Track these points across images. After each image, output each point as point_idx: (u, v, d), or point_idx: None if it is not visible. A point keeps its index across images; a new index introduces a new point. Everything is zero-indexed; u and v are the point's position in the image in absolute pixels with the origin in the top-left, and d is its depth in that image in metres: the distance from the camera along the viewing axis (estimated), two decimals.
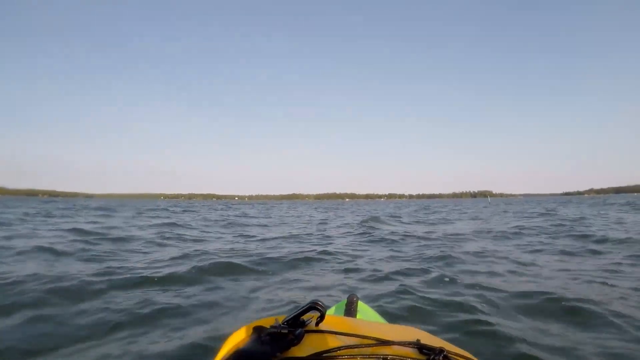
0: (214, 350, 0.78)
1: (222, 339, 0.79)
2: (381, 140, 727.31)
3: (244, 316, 3.00)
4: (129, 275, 4.24)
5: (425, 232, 9.65)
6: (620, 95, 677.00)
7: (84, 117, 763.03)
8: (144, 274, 4.30)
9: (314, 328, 0.73)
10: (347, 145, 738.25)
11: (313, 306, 0.71)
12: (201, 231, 10.35)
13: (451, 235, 8.84)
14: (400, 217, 17.48)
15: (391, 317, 2.63)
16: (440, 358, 0.64)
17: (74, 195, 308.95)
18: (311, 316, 0.75)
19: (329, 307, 1.34)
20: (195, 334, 2.63)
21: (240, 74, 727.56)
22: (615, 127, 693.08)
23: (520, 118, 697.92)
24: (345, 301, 1.26)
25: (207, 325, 2.81)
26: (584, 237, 7.81)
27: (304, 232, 10.11)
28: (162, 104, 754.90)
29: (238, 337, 0.75)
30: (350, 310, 1.19)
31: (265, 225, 12.96)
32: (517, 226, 10.77)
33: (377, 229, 10.75)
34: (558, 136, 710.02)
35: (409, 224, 13.49)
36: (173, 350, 2.33)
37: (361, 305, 1.31)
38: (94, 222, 12.18)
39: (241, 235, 9.35)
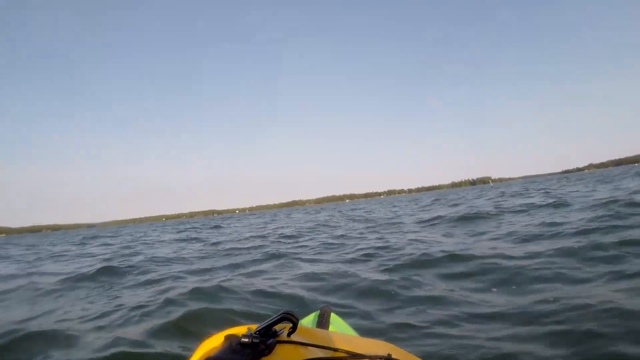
0: (186, 358, 0.83)
1: (194, 346, 0.79)
2: (379, 141, 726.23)
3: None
4: None
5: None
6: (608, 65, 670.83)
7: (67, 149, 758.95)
8: None
9: (286, 339, 0.73)
10: (345, 146, 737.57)
11: (285, 316, 0.71)
12: None
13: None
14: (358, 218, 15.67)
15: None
16: None
17: (77, 226, 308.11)
18: (283, 327, 0.74)
19: (301, 318, 1.18)
20: None
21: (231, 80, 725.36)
22: (608, 99, 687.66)
23: (512, 102, 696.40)
24: (317, 313, 1.28)
25: None
26: None
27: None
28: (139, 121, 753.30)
29: (210, 345, 0.75)
30: (322, 322, 1.22)
31: None
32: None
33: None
34: (550, 115, 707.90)
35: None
36: None
37: (334, 318, 1.32)
38: None
39: None
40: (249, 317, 3.04)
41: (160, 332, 2.82)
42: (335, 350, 0.70)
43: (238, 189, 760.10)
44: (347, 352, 0.69)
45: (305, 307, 3.24)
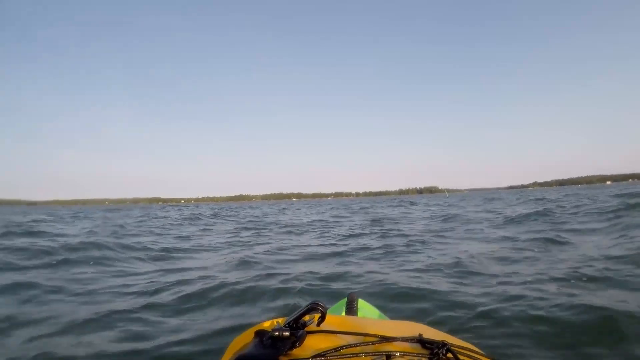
0: (218, 356, 0.79)
1: (225, 344, 0.79)
2: (328, 139, 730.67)
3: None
4: None
5: None
6: (560, 90, 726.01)
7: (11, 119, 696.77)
8: None
9: (316, 328, 0.73)
10: (294, 144, 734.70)
11: (314, 307, 0.71)
12: None
13: None
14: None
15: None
16: (444, 351, 0.65)
17: (17, 202, 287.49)
18: (312, 317, 0.75)
19: (329, 307, 1.34)
20: None
21: (178, 74, 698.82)
22: (557, 123, 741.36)
23: (460, 114, 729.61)
24: (345, 300, 1.27)
25: None
26: None
27: None
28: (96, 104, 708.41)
29: (240, 342, 0.75)
30: (351, 309, 1.20)
31: None
32: None
33: None
34: (500, 130, 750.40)
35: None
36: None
37: (362, 304, 1.31)
38: None
39: None
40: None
41: None
42: (366, 335, 0.69)
43: (181, 177, 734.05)
44: (378, 336, 0.68)
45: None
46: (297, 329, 0.68)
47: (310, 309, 0.70)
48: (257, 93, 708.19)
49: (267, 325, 0.75)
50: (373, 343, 0.66)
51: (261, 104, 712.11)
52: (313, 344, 0.66)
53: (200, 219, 16.19)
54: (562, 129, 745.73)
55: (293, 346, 0.64)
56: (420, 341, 0.67)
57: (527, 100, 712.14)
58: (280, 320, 0.74)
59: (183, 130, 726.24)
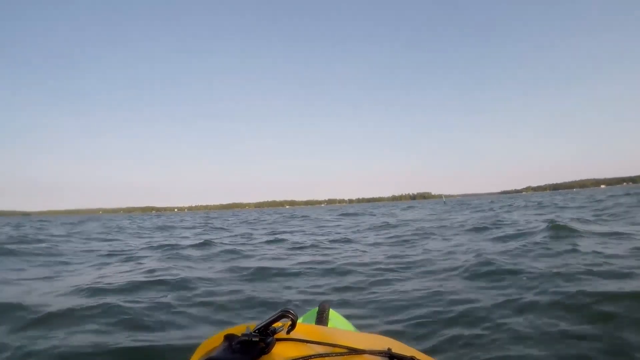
0: (186, 358, 0.79)
1: (193, 346, 0.80)
2: (321, 146, 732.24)
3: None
4: None
5: None
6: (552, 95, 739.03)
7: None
8: None
9: (285, 336, 0.72)
10: (287, 151, 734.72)
11: (284, 314, 0.70)
12: None
13: None
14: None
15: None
16: None
17: (11, 213, 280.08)
18: (282, 324, 0.74)
19: (300, 315, 1.27)
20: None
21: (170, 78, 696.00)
22: (549, 126, 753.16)
23: (453, 118, 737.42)
24: (316, 309, 1.26)
25: None
26: None
27: None
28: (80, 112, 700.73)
29: (209, 345, 0.75)
30: (321, 318, 1.19)
31: None
32: None
33: None
34: (492, 135, 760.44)
35: None
36: None
37: (332, 314, 1.30)
38: None
39: None
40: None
41: None
42: (335, 346, 0.70)
43: (174, 187, 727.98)
44: (347, 347, 0.68)
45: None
46: (266, 336, 0.68)
47: (281, 316, 0.70)
48: (250, 99, 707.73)
49: (236, 330, 0.74)
50: (342, 354, 0.66)
51: (256, 109, 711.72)
52: (282, 351, 0.67)
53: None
54: (554, 133, 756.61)
55: (262, 352, 0.65)
56: (389, 355, 0.68)
57: (519, 105, 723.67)
58: (250, 325, 0.73)
59: (175, 139, 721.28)
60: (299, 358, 0.63)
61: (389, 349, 0.69)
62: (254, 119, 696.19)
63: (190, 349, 0.80)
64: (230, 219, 29.26)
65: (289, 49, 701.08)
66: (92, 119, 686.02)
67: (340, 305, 3.28)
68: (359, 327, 1.40)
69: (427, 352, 0.78)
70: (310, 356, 0.64)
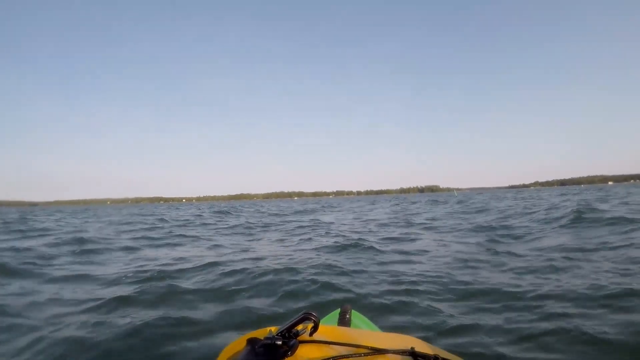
0: None
1: (217, 350, 0.80)
2: (329, 139, 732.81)
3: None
4: None
5: None
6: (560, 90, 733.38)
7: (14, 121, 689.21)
8: None
9: (308, 338, 0.72)
10: (297, 143, 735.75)
11: (306, 317, 0.70)
12: None
13: None
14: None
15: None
16: None
17: (19, 204, 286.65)
18: (305, 327, 0.74)
19: (322, 317, 1.34)
20: None
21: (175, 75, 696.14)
22: (559, 123, 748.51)
23: (462, 114, 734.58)
24: (338, 311, 1.26)
25: None
26: None
27: None
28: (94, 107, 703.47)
29: (232, 349, 0.76)
30: (343, 320, 1.20)
31: None
32: None
33: None
34: (501, 130, 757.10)
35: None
36: None
37: (355, 315, 1.32)
38: None
39: None
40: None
41: None
42: (358, 346, 0.70)
43: (182, 177, 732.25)
44: (370, 348, 0.69)
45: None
46: (289, 338, 0.69)
47: (303, 319, 0.71)
48: (259, 93, 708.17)
49: (259, 333, 0.75)
50: (365, 355, 0.67)
51: (262, 104, 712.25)
52: (305, 353, 0.67)
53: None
54: (563, 129, 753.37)
55: (285, 355, 0.65)
56: (413, 354, 0.69)
57: (530, 101, 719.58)
58: (273, 329, 0.75)
59: (184, 130, 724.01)
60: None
61: (412, 348, 0.70)
62: (261, 112, 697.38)
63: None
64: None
65: (295, 43, 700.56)
66: (95, 114, 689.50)
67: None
68: (382, 328, 1.38)
69: (451, 350, 0.79)
70: (334, 357, 0.64)
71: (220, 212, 21.63)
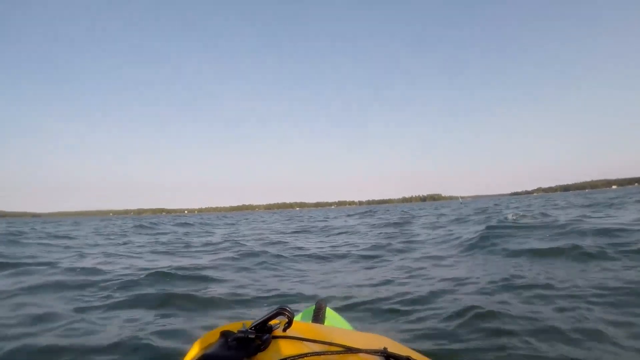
0: (181, 354, 0.78)
1: (190, 342, 0.80)
2: (331, 150, 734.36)
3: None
4: None
5: None
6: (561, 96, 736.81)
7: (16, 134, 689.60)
8: None
9: (282, 334, 0.73)
10: (298, 153, 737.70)
11: (281, 312, 0.70)
12: None
13: None
14: None
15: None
16: None
17: (22, 215, 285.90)
18: (279, 322, 0.76)
19: (297, 312, 1.33)
20: None
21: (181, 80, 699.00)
22: (559, 129, 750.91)
23: (463, 121, 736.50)
24: (313, 307, 1.25)
25: None
26: None
27: None
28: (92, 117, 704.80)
29: (205, 342, 0.75)
30: (318, 316, 1.18)
31: None
32: None
33: None
34: (503, 137, 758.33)
35: None
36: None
37: (329, 312, 1.32)
38: None
39: None
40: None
41: None
42: (331, 344, 0.70)
43: (185, 189, 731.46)
44: (343, 346, 0.69)
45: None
46: (263, 333, 0.70)
47: (277, 314, 0.71)
48: (259, 100, 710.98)
49: (233, 326, 0.75)
50: (338, 353, 0.67)
51: (265, 113, 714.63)
52: (278, 349, 0.68)
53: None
54: (566, 134, 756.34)
55: (258, 350, 0.66)
56: (385, 354, 0.68)
57: (530, 105, 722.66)
58: (247, 322, 0.75)
59: (187, 140, 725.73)
60: (295, 356, 0.63)
61: (385, 348, 0.69)
62: (261, 121, 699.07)
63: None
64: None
65: (296, 50, 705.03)
66: (99, 120, 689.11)
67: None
68: (356, 326, 1.39)
69: (423, 352, 0.78)
70: (306, 354, 0.64)
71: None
